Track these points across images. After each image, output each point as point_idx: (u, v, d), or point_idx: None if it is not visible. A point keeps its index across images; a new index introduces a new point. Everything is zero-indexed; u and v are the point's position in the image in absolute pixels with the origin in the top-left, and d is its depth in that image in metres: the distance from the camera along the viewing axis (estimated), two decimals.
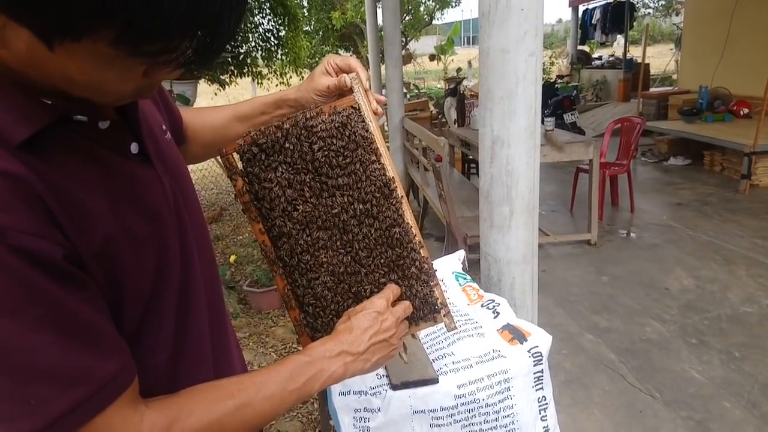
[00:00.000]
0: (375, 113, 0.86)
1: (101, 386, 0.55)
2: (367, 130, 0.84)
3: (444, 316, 0.89)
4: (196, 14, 0.47)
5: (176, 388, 0.67)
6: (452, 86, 8.45)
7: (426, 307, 0.88)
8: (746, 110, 6.69)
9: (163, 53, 0.49)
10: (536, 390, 1.12)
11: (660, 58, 15.07)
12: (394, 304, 0.83)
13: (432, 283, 0.89)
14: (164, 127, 0.79)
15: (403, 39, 10.91)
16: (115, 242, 0.59)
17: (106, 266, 0.58)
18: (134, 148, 0.66)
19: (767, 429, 2.19)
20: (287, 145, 0.81)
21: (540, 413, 1.13)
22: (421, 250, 0.87)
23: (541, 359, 1.12)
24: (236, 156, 0.83)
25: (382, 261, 0.86)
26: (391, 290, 0.84)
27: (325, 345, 0.75)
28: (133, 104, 0.66)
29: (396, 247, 0.86)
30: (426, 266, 0.88)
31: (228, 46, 0.54)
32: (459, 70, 13.08)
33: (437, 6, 12.01)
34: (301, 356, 0.73)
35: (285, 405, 0.69)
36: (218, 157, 0.87)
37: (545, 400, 1.14)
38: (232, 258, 4.15)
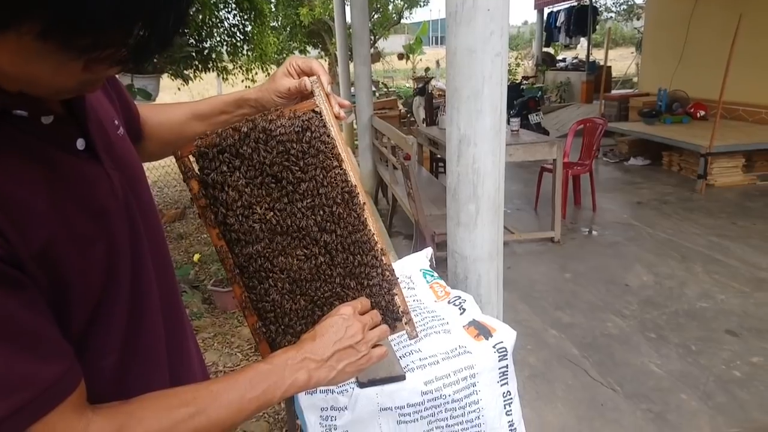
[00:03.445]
0: (337, 117, 0.85)
1: (41, 392, 0.53)
2: (328, 135, 0.83)
3: (405, 323, 0.89)
4: (127, 8, 0.45)
5: (127, 390, 0.65)
6: (421, 85, 8.52)
7: (388, 315, 0.87)
8: (703, 112, 6.95)
9: (95, 49, 0.46)
10: (501, 385, 1.14)
11: (621, 61, 15.49)
12: (363, 314, 0.81)
13: (393, 291, 0.87)
14: (117, 122, 0.76)
15: (372, 37, 10.91)
16: (58, 242, 0.57)
17: (49, 267, 0.56)
18: (80, 144, 0.63)
19: (720, 419, 2.28)
20: (244, 148, 0.79)
21: (505, 408, 1.14)
22: (383, 258, 0.86)
23: (506, 355, 1.14)
24: (192, 159, 0.81)
25: (343, 268, 0.84)
26: (361, 302, 0.82)
27: (288, 353, 0.73)
28: (80, 98, 0.64)
29: (357, 254, 0.84)
30: (388, 274, 0.87)
31: (172, 44, 0.53)
32: (427, 69, 13.16)
33: (406, 5, 12.05)
34: (262, 364, 0.71)
35: (244, 413, 0.67)
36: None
37: (510, 394, 1.15)
38: (196, 257, 4.08)
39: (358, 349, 0.76)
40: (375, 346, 0.80)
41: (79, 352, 0.60)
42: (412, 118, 8.78)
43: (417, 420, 1.08)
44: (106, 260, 0.63)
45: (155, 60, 4.07)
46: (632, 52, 15.82)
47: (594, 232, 4.60)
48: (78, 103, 0.64)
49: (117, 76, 0.86)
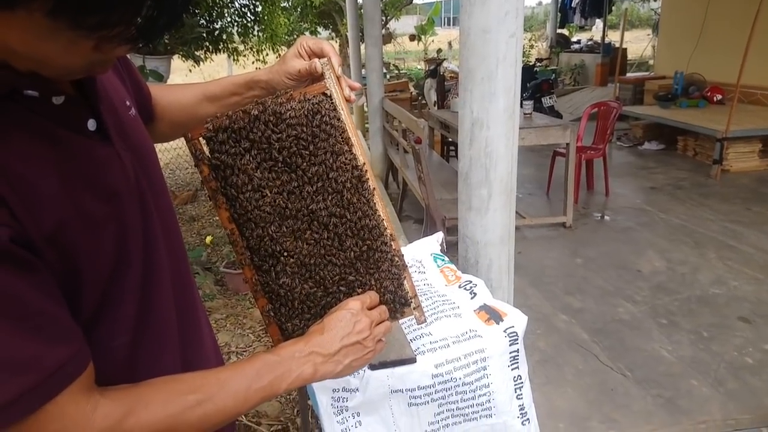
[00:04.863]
0: (347, 100, 0.83)
1: (50, 374, 0.53)
2: (338, 119, 0.82)
3: (414, 309, 0.89)
4: None
5: (138, 371, 0.66)
6: (432, 67, 8.42)
7: (396, 301, 0.87)
8: (719, 96, 6.82)
9: (105, 27, 0.46)
10: (512, 369, 1.14)
11: (637, 44, 15.20)
12: (371, 309, 0.81)
13: (402, 277, 0.87)
14: (128, 103, 0.76)
15: (383, 18, 10.79)
16: (69, 224, 0.57)
17: (61, 249, 0.56)
18: (92, 125, 0.63)
19: (731, 405, 2.27)
20: (254, 131, 0.78)
21: (515, 392, 1.14)
22: (392, 243, 0.86)
23: (517, 339, 1.14)
24: (203, 141, 0.80)
25: (352, 253, 0.84)
26: (369, 296, 0.82)
27: (296, 345, 0.74)
28: (91, 79, 0.63)
29: (367, 239, 0.84)
30: (397, 259, 0.87)
31: (181, 22, 0.52)
32: (439, 51, 13.02)
33: None
34: (269, 355, 0.72)
35: (249, 403, 0.68)
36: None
37: (521, 379, 1.15)
38: (209, 239, 4.11)
39: (365, 345, 0.77)
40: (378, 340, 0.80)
41: (90, 333, 0.60)
42: (424, 101, 8.70)
43: (428, 402, 1.08)
44: (118, 242, 0.63)
45: (166, 41, 4.06)
46: (648, 34, 15.51)
47: (606, 218, 4.56)
48: (89, 83, 0.63)
49: (129, 57, 0.86)
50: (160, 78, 3.79)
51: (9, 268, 0.51)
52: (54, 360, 0.54)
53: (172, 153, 6.52)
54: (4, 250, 0.50)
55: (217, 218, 5.23)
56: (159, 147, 1.20)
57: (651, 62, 11.27)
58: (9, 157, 0.52)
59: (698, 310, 3.03)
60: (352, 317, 0.77)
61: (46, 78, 0.54)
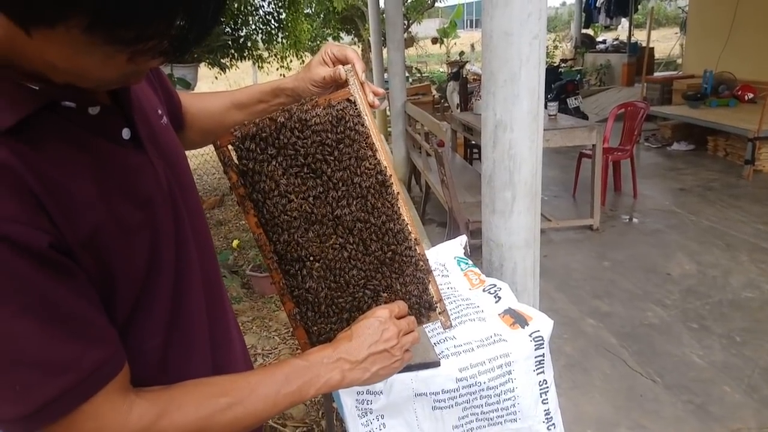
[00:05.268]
0: (371, 106, 0.85)
1: (88, 375, 0.56)
2: (363, 125, 0.83)
3: (440, 313, 0.89)
4: (168, 1, 0.46)
5: (169, 372, 0.68)
6: (455, 70, 8.41)
7: (422, 305, 0.88)
8: (751, 95, 6.64)
9: (139, 41, 0.48)
10: (537, 373, 1.13)
11: (665, 42, 14.92)
12: (399, 318, 0.82)
13: (427, 281, 0.88)
14: (160, 111, 0.78)
15: (405, 22, 10.80)
16: (104, 231, 0.59)
17: (96, 255, 0.58)
18: (126, 133, 0.65)
19: (766, 412, 2.20)
20: (281, 138, 0.80)
21: (541, 396, 1.13)
22: (416, 248, 0.87)
23: (543, 343, 1.12)
24: (231, 148, 0.82)
25: (377, 258, 0.85)
26: (398, 305, 0.83)
27: (324, 351, 0.75)
28: (125, 89, 0.66)
29: (392, 243, 0.85)
30: (422, 264, 0.87)
31: (211, 32, 0.54)
32: (462, 53, 12.96)
33: None
34: (298, 360, 0.73)
35: (278, 407, 0.69)
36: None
37: (546, 383, 1.14)
38: (235, 243, 4.16)
39: (392, 354, 0.77)
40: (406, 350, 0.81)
41: (124, 336, 0.62)
42: (446, 104, 8.69)
43: (452, 406, 1.08)
44: (151, 248, 0.65)
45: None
46: (676, 33, 15.20)
47: (634, 220, 4.48)
48: (123, 93, 0.66)
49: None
50: (188, 86, 3.86)
51: (49, 272, 0.53)
52: (91, 361, 0.56)
53: (199, 159, 6.63)
54: (44, 255, 0.52)
55: (244, 222, 5.28)
56: (187, 153, 1.23)
57: (679, 61, 11.04)
58: (48, 165, 0.54)
59: (730, 314, 2.96)
60: (380, 325, 0.77)
61: (83, 89, 0.56)
